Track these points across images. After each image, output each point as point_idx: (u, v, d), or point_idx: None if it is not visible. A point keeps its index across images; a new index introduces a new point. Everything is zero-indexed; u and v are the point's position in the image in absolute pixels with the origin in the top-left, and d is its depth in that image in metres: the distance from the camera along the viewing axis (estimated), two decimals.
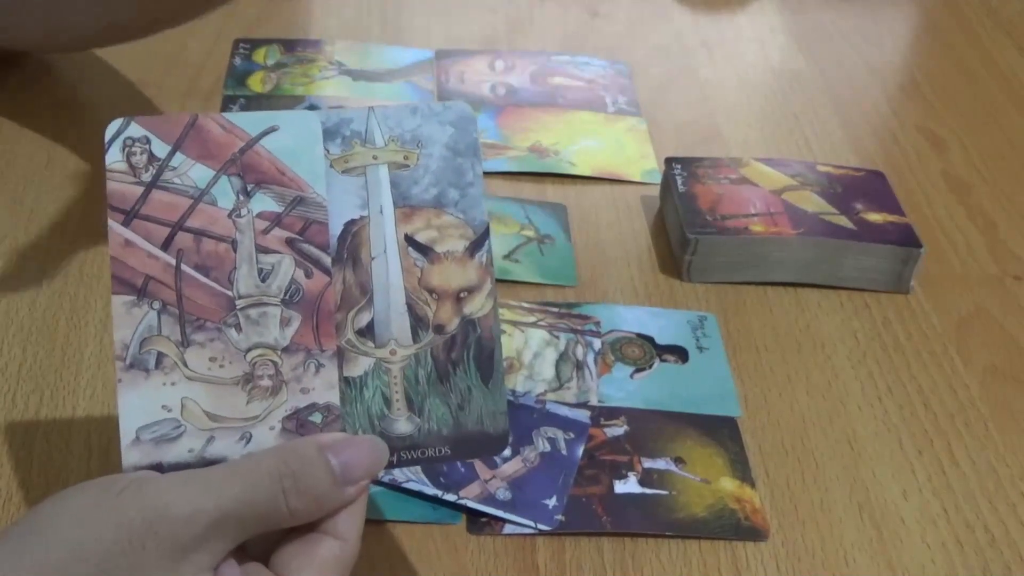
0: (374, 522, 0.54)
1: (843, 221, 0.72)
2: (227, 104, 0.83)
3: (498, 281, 0.69)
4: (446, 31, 0.95)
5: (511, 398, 0.61)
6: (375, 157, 0.48)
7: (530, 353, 0.64)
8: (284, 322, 0.46)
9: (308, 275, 0.46)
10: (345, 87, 0.86)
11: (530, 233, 0.74)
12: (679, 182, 0.75)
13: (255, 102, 0.83)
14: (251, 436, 0.45)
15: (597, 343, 0.65)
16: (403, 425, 0.47)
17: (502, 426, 0.47)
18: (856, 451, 0.61)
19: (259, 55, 0.89)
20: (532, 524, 0.55)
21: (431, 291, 0.47)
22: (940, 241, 0.77)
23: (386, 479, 0.55)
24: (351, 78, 0.87)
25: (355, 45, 0.91)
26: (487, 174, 0.79)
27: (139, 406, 0.44)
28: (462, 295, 0.48)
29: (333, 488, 0.43)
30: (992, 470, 0.61)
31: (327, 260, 0.46)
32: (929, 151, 0.87)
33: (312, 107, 0.83)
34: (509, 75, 0.90)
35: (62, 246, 0.68)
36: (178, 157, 0.46)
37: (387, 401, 0.47)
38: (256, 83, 0.85)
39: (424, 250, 0.47)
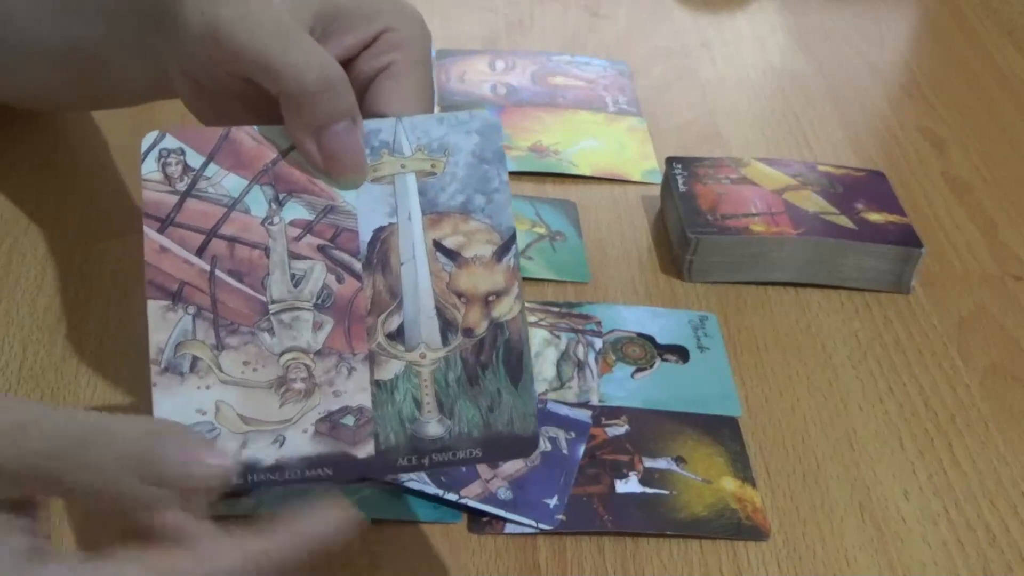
0: (374, 521, 0.54)
1: (844, 221, 0.72)
2: None
3: None
4: (446, 31, 0.95)
5: None
6: (403, 166, 0.48)
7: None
8: (316, 326, 0.46)
9: (339, 280, 0.47)
10: None
11: (541, 230, 0.74)
12: (680, 182, 0.75)
13: None
14: (284, 439, 0.45)
15: (598, 343, 0.65)
16: (434, 427, 0.47)
17: (532, 428, 0.48)
18: (857, 451, 0.61)
19: None
20: (533, 523, 0.55)
21: (459, 295, 0.48)
22: (940, 241, 0.77)
23: (389, 478, 0.55)
24: None
25: None
26: None
27: (174, 410, 0.45)
28: (490, 299, 0.48)
29: (121, 474, 0.40)
30: (993, 470, 0.61)
31: (358, 266, 0.47)
32: (929, 151, 0.87)
33: None
34: (509, 75, 0.90)
35: (62, 246, 0.68)
36: (212, 167, 0.47)
37: (417, 404, 0.47)
38: None
39: (452, 255, 0.48)
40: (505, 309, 0.48)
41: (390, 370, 0.47)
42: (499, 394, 0.48)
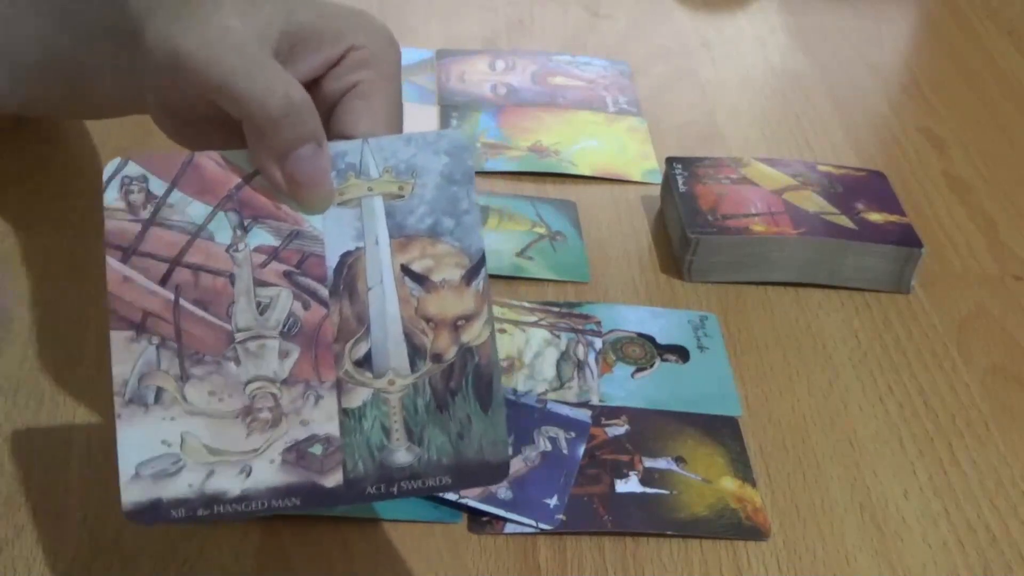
0: (374, 521, 0.54)
1: (844, 221, 0.72)
2: None
3: (511, 278, 0.70)
4: (446, 31, 0.95)
5: (512, 397, 0.61)
6: (370, 189, 0.48)
7: (531, 352, 0.64)
8: (283, 354, 0.46)
9: (306, 307, 0.46)
10: None
11: (541, 230, 0.74)
12: (680, 182, 0.75)
13: None
14: (251, 469, 0.45)
15: (598, 343, 0.65)
16: (403, 455, 0.46)
17: (503, 454, 0.47)
18: (857, 451, 0.61)
19: None
20: (533, 523, 0.55)
21: (428, 320, 0.47)
22: (941, 241, 0.77)
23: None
24: None
25: None
26: (488, 174, 0.79)
27: (138, 441, 0.44)
28: (459, 323, 0.47)
29: None
30: (993, 470, 0.61)
31: (324, 292, 0.46)
32: (929, 151, 0.87)
33: None
34: (509, 75, 0.90)
35: (62, 246, 0.68)
36: (175, 194, 0.46)
37: (386, 431, 0.46)
38: None
39: (420, 279, 0.47)
40: (475, 333, 0.47)
41: (358, 398, 0.46)
42: (469, 420, 0.47)
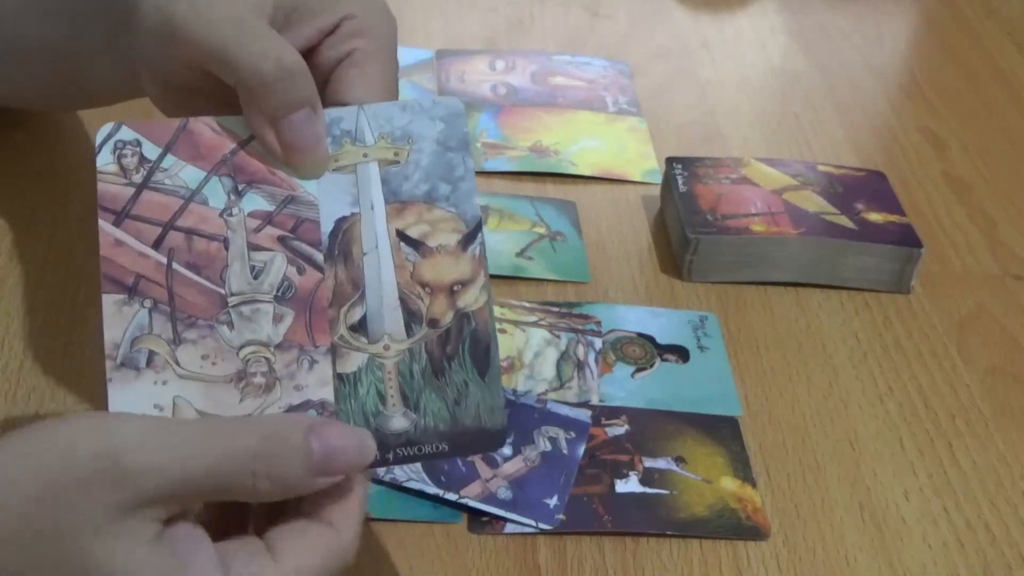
0: (374, 521, 0.54)
1: (844, 221, 0.72)
2: None
3: (511, 278, 0.70)
4: (446, 31, 0.95)
5: (512, 398, 0.61)
6: (365, 155, 0.48)
7: (531, 353, 0.64)
8: (277, 319, 0.46)
9: (300, 272, 0.46)
10: None
11: (541, 230, 0.74)
12: (680, 182, 0.75)
13: None
14: None
15: (598, 343, 0.65)
16: (399, 421, 0.46)
17: (500, 421, 0.47)
18: (857, 451, 0.61)
19: None
20: (533, 523, 0.55)
21: (424, 285, 0.47)
22: (940, 241, 0.77)
23: (387, 477, 0.55)
24: None
25: None
26: (488, 174, 0.79)
27: (130, 405, 0.44)
28: (455, 288, 0.47)
29: (305, 477, 0.42)
30: (993, 470, 0.61)
31: (319, 257, 0.46)
32: (929, 151, 0.87)
33: None
34: (509, 75, 0.90)
35: (62, 246, 0.68)
36: (169, 159, 0.46)
37: (382, 397, 0.46)
38: None
39: (416, 244, 0.47)
40: (471, 299, 0.47)
41: (353, 363, 0.46)
42: (466, 386, 0.47)
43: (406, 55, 0.90)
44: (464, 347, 0.47)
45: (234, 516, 0.44)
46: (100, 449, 0.39)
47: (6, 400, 0.59)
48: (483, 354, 0.47)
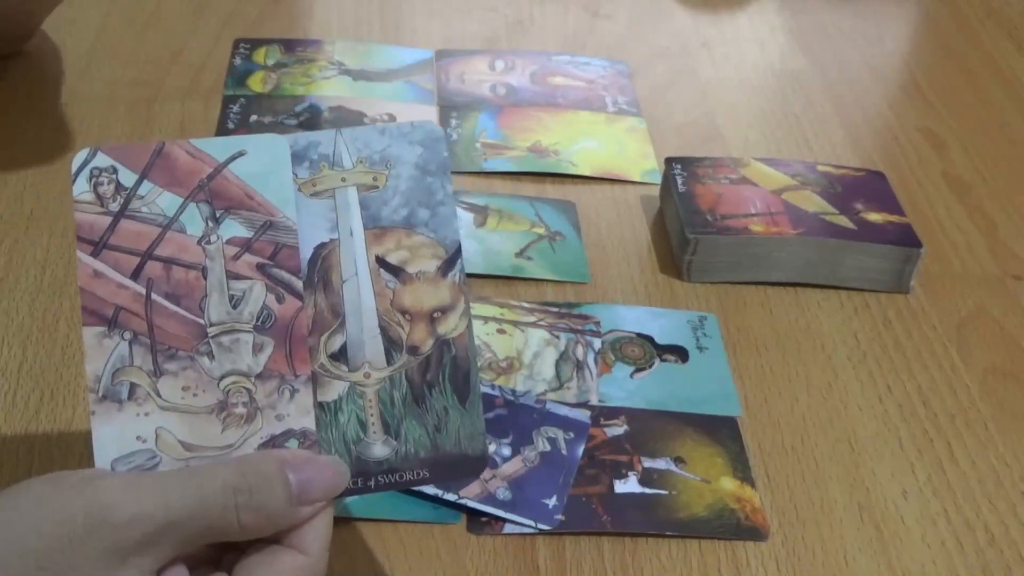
0: (374, 521, 0.54)
1: (843, 221, 0.72)
2: (227, 104, 0.83)
3: (511, 278, 0.70)
4: (446, 31, 0.95)
5: (511, 398, 0.61)
6: (344, 179, 0.47)
7: (530, 353, 0.64)
8: (257, 348, 0.45)
9: (280, 300, 0.46)
10: (345, 87, 0.86)
11: (541, 230, 0.74)
12: (679, 182, 0.75)
13: (255, 102, 0.83)
14: None
15: (597, 343, 0.65)
16: (380, 449, 0.46)
17: (480, 447, 0.47)
18: (856, 451, 0.61)
19: (259, 55, 0.89)
20: (532, 524, 0.55)
21: (404, 312, 0.47)
22: (940, 241, 0.77)
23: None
24: (351, 78, 0.87)
25: (355, 45, 0.91)
26: (488, 174, 0.79)
27: (113, 438, 0.44)
28: (436, 315, 0.47)
29: (287, 508, 0.43)
30: (992, 470, 0.61)
31: (298, 284, 0.46)
32: (929, 151, 0.87)
33: (312, 107, 0.83)
34: (509, 75, 0.90)
35: (62, 246, 0.68)
36: (145, 185, 0.46)
37: (363, 425, 0.46)
38: (256, 83, 0.86)
39: (395, 271, 0.47)
40: (451, 326, 0.47)
41: (334, 391, 0.46)
42: (446, 413, 0.47)
43: (406, 55, 0.91)
44: (444, 374, 0.47)
45: (209, 558, 0.44)
46: (91, 503, 0.40)
47: (6, 400, 0.59)
48: (463, 381, 0.47)
